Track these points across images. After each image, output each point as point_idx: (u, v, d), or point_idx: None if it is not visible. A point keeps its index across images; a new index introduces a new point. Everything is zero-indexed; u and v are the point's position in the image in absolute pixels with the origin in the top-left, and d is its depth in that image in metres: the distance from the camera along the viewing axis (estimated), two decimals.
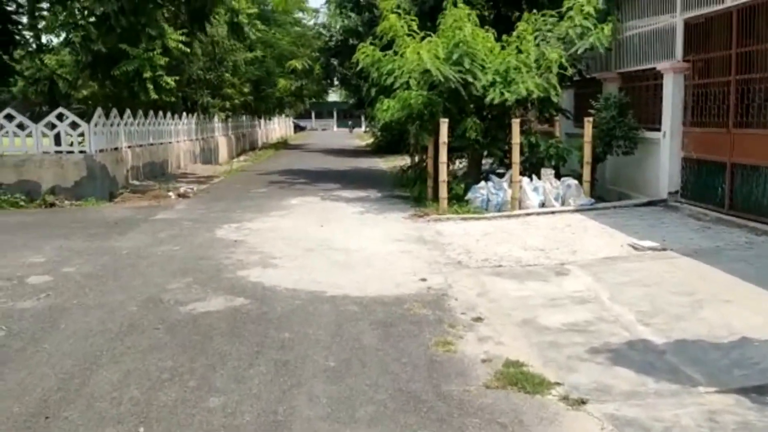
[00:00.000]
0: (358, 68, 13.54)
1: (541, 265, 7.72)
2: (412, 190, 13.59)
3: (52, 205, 12.84)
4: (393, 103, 12.22)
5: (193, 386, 4.29)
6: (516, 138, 11.64)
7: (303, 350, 4.94)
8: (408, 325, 5.57)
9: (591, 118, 12.06)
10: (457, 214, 11.31)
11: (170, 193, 14.46)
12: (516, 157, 11.65)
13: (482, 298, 6.40)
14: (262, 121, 42.55)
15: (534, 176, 12.12)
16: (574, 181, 11.94)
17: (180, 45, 14.62)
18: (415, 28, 12.88)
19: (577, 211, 11.26)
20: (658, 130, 11.53)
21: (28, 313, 5.88)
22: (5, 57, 16.98)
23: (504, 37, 12.77)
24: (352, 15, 18.11)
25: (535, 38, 12.70)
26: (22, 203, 12.88)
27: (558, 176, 12.29)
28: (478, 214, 11.29)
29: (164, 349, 4.96)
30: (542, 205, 11.69)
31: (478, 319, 5.73)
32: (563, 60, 12.11)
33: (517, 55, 12.23)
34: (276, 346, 5.03)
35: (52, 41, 13.83)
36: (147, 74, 13.80)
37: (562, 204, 11.69)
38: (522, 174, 11.94)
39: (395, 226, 10.53)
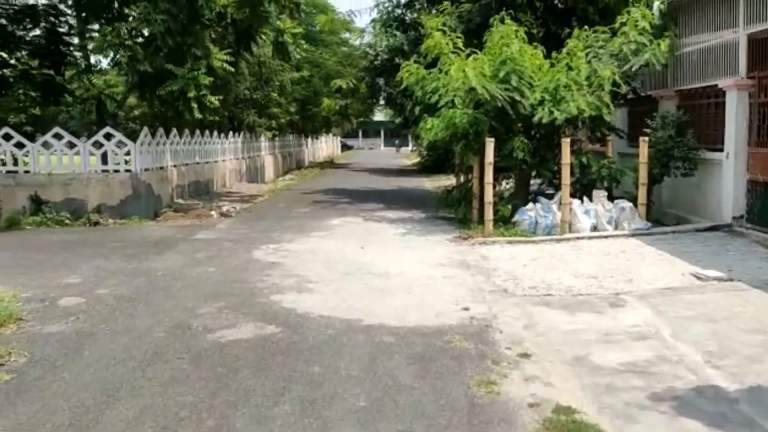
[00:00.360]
0: (402, 87, 13.25)
1: (593, 294, 7.19)
2: (457, 212, 13.16)
3: (96, 223, 12.89)
4: (437, 122, 11.86)
5: (210, 426, 3.96)
6: (566, 158, 11.12)
7: (332, 387, 4.57)
8: (448, 360, 5.14)
9: (647, 138, 11.44)
10: (503, 237, 10.83)
11: (213, 212, 14.39)
12: (566, 178, 11.11)
13: (529, 331, 5.92)
14: (309, 140, 42.78)
15: (585, 198, 11.54)
16: (628, 204, 11.31)
17: (225, 65, 14.63)
18: (460, 45, 12.54)
19: (632, 235, 10.63)
20: (720, 150, 10.82)
21: (55, 338, 5.69)
22: (58, 77, 17.39)
23: (553, 54, 12.31)
24: (398, 34, 17.91)
25: (587, 55, 12.20)
26: (67, 221, 12.97)
27: (611, 198, 11.69)
28: (525, 238, 10.79)
29: (186, 381, 4.66)
30: (594, 228, 11.10)
31: (525, 355, 5.26)
32: (617, 77, 11.56)
33: (567, 73, 11.73)
34: (304, 382, 4.67)
35: (100, 62, 14.00)
36: (191, 94, 13.82)
37: (616, 228, 11.08)
38: (572, 195, 11.40)
39: (438, 249, 10.12)
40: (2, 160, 14.28)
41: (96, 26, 15.89)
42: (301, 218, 13.89)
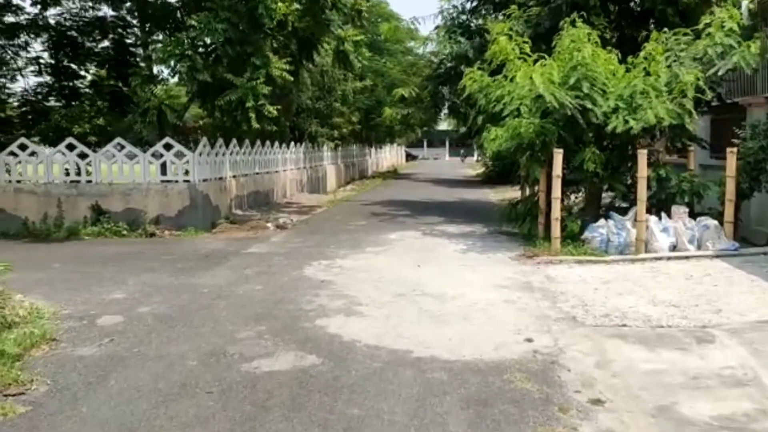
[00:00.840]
0: (466, 95, 12.61)
1: (676, 326, 6.36)
2: (521, 227, 12.38)
3: (152, 235, 12.80)
4: (501, 131, 11.16)
5: None
6: (643, 171, 10.21)
7: None
8: (507, 405, 4.49)
9: (735, 149, 10.39)
10: (571, 256, 10.01)
11: (268, 224, 14.11)
12: (642, 192, 10.21)
13: (603, 371, 5.19)
14: (373, 149, 42.54)
15: (663, 214, 10.59)
16: (712, 222, 10.28)
17: (284, 74, 14.37)
18: (527, 50, 11.82)
19: (717, 256, 9.62)
20: None
21: (84, 362, 5.35)
22: (125, 88, 17.60)
23: (629, 58, 11.42)
24: (462, 40, 17.23)
25: (666, 59, 11.26)
26: (124, 232, 12.93)
27: (692, 215, 10.68)
28: (596, 257, 9.94)
29: (210, 422, 4.19)
30: (673, 248, 10.13)
31: (598, 402, 4.55)
32: (700, 82, 10.58)
33: (644, 78, 10.83)
34: (341, 427, 4.12)
35: (162, 72, 14.00)
36: (250, 104, 13.59)
37: (698, 248, 10.08)
38: (648, 211, 10.47)
39: (500, 268, 9.41)
40: (66, 169, 14.45)
41: (160, 36, 15.98)
42: (358, 232, 13.41)
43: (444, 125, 47.90)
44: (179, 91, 15.86)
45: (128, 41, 18.80)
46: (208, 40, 13.62)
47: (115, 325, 6.47)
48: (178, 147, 14.19)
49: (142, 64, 14.43)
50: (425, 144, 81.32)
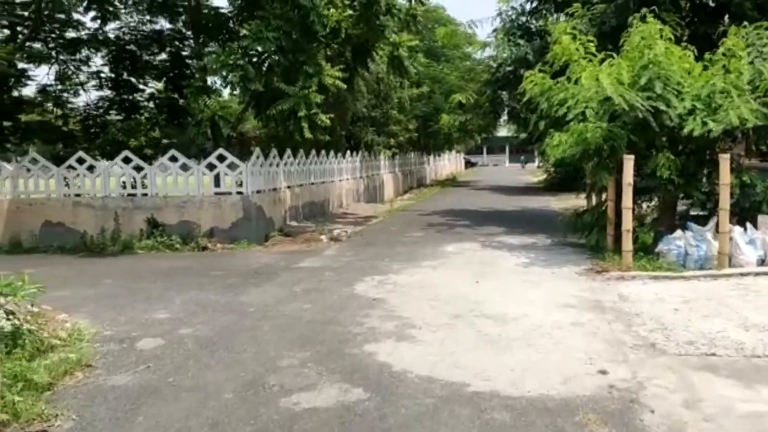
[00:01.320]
0: (526, 99, 11.93)
1: None
2: (588, 238, 11.58)
3: (204, 248, 12.60)
4: (565, 137, 10.43)
5: None
6: (725, 177, 9.31)
7: None
8: None
9: None
10: (645, 271, 9.20)
11: (322, 237, 13.74)
12: (725, 200, 9.30)
13: (692, 413, 4.48)
14: (431, 157, 41.98)
15: (748, 225, 9.64)
16: None
17: (337, 81, 14.02)
18: (592, 50, 11.06)
19: None
20: None
21: (116, 393, 5.00)
22: (181, 101, 17.68)
23: (706, 55, 10.51)
24: (521, 42, 16.52)
25: (748, 54, 10.30)
26: (177, 246, 12.78)
27: None
28: (673, 272, 9.09)
29: None
30: (761, 262, 9.18)
31: None
32: None
33: (724, 76, 9.91)
34: None
35: (215, 83, 13.88)
36: (302, 112, 13.29)
37: None
38: (731, 221, 9.54)
39: (566, 284, 8.69)
40: (123, 182, 14.49)
41: (214, 48, 15.92)
42: (414, 244, 12.87)
43: (504, 131, 46.88)
44: (232, 102, 15.73)
45: (184, 53, 18.92)
46: (259, 49, 13.40)
47: (154, 349, 6.13)
48: (231, 158, 14.01)
49: (196, 75, 14.34)
50: (485, 150, 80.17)
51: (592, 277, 9.15)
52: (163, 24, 19.05)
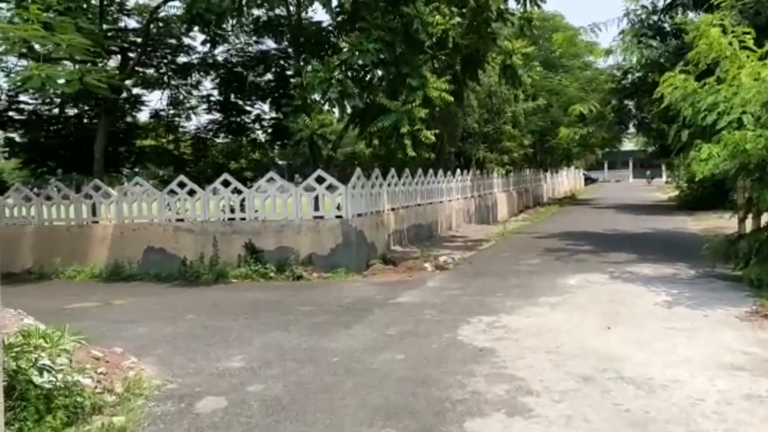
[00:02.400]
0: (663, 106, 10.16)
1: None
2: (746, 271, 9.55)
3: (299, 277, 11.72)
4: (717, 149, 8.61)
5: None
6: None
7: None
8: None
9: None
10: None
11: (426, 264, 12.49)
12: None
13: None
14: (548, 174, 39.73)
15: None
16: None
17: (443, 94, 12.83)
18: (749, 43, 9.17)
19: None
20: None
21: None
22: (284, 120, 17.18)
23: None
24: (654, 44, 14.58)
25: None
26: (272, 275, 12.00)
27: None
28: None
29: None
30: None
31: None
32: None
33: None
34: None
35: (315, 100, 13.08)
36: (404, 129, 12.21)
37: None
38: None
39: (725, 334, 6.91)
40: (223, 206, 14.02)
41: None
42: (530, 274, 11.33)
43: (628, 144, 43.69)
44: (332, 120, 14.95)
45: (289, 73, 18.52)
46: (360, 63, 12.48)
47: (213, 413, 5.13)
48: (330, 179, 13.16)
49: (295, 93, 13.69)
50: (606, 166, 75.84)
51: (760, 324, 7.28)
52: (269, 44, 18.84)
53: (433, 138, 12.71)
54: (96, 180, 14.85)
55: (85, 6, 14.48)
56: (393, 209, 15.42)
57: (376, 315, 8.45)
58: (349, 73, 12.78)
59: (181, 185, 14.06)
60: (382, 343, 7.01)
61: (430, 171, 18.12)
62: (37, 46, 12.07)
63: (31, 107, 19.09)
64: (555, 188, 43.90)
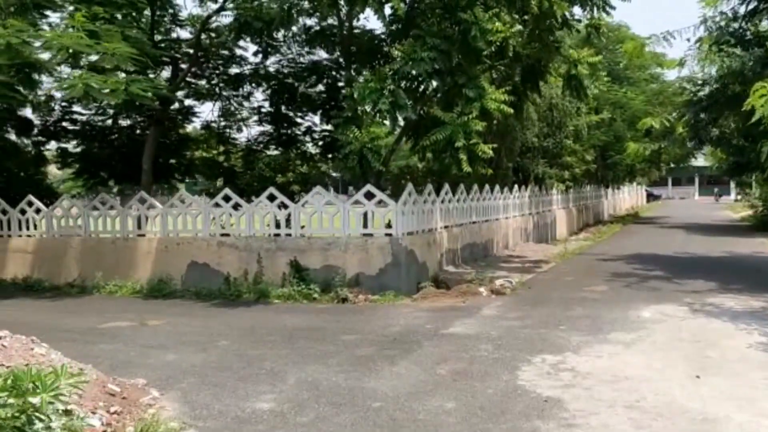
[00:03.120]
0: (754, 119, 9.02)
1: None
2: None
3: (344, 300, 10.96)
4: None
5: None
6: None
7: None
8: None
9: None
10: None
11: (481, 289, 11.55)
12: None
13: None
14: (609, 190, 38.02)
15: None
16: None
17: (502, 106, 11.94)
18: None
19: None
20: None
21: None
22: (334, 132, 16.55)
23: None
24: (737, 52, 13.32)
25: None
26: (315, 296, 11.29)
27: None
28: None
29: None
30: None
31: None
32: None
33: None
34: None
35: (365, 112, 12.39)
36: (459, 143, 11.37)
37: None
38: None
39: None
40: (267, 222, 13.44)
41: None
42: (596, 303, 10.26)
43: (698, 160, 41.50)
44: (383, 132, 14.17)
45: (340, 84, 17.92)
46: (413, 72, 11.70)
47: None
48: (380, 195, 12.41)
49: (345, 105, 13.03)
50: (669, 182, 72.76)
51: None
52: (321, 54, 18.31)
53: (490, 152, 11.81)
54: (142, 192, 14.52)
55: (134, 14, 14.21)
56: (446, 227, 14.56)
57: (426, 348, 7.60)
58: (402, 84, 12.00)
59: (226, 199, 13.57)
60: (431, 386, 6.15)
61: (486, 187, 17.16)
62: (84, 56, 11.78)
63: (84, 118, 19.06)
64: (616, 205, 42.07)
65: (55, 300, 11.89)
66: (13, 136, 18.92)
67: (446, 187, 14.57)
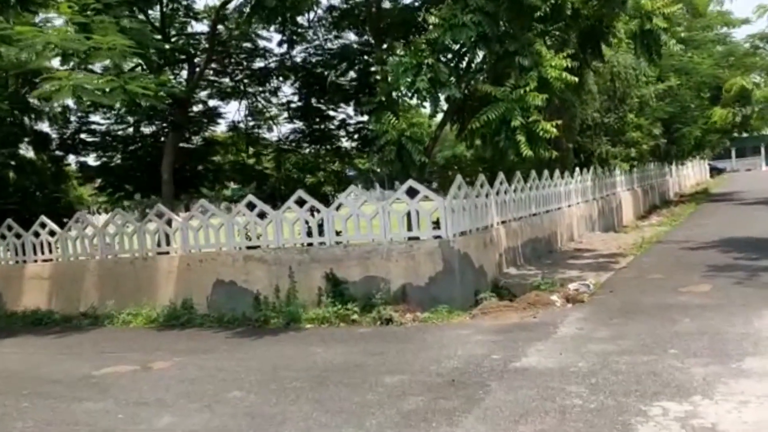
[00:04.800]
0: None
1: None
2: None
3: (388, 321, 9.11)
4: None
5: None
6: None
7: None
8: None
9: None
10: None
11: (554, 297, 9.53)
12: None
13: None
14: (672, 167, 35.05)
15: None
16: None
17: (565, 74, 9.91)
18: None
19: None
20: None
21: None
22: (368, 122, 14.72)
23: None
24: None
25: None
26: (354, 317, 9.47)
27: None
28: None
29: None
30: None
31: None
32: None
33: None
34: None
35: (401, 93, 10.53)
36: (516, 121, 9.41)
37: None
38: None
39: None
40: (297, 231, 11.72)
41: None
42: (704, 311, 8.10)
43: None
44: (424, 118, 12.23)
45: (373, 69, 16.09)
46: (454, 41, 9.76)
47: None
48: (424, 191, 10.54)
49: (378, 88, 11.20)
50: (733, 153, 68.29)
51: None
52: (350, 37, 16.53)
53: (554, 131, 9.79)
54: (159, 205, 12.99)
55: (139, 5, 12.65)
56: (503, 222, 12.59)
57: (495, 395, 5.67)
58: (442, 57, 10.10)
59: (251, 206, 11.90)
60: None
61: (545, 172, 15.09)
62: (75, 54, 10.23)
63: (103, 128, 17.77)
64: (681, 182, 39.06)
65: (61, 336, 10.45)
66: (31, 153, 17.81)
67: (501, 176, 12.58)
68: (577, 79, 10.50)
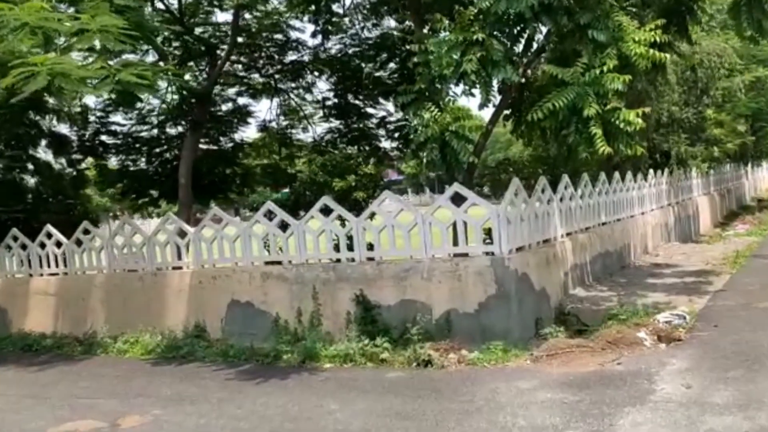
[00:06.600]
0: None
1: None
2: None
3: (427, 363, 7.19)
4: None
5: None
6: None
7: None
8: None
9: None
10: None
11: (640, 334, 7.39)
12: None
13: None
14: (747, 168, 31.92)
15: None
16: None
17: (654, 52, 7.83)
18: None
19: None
20: None
21: None
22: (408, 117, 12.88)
23: None
24: None
25: None
26: (384, 354, 7.57)
27: None
28: None
29: None
30: None
31: None
32: None
33: None
34: None
35: (444, 78, 8.62)
36: (589, 110, 7.42)
37: None
38: None
39: None
40: (324, 244, 9.92)
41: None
42: None
43: None
44: (472, 111, 10.19)
45: (415, 60, 14.25)
46: (511, 12, 7.82)
47: None
48: (472, 198, 8.61)
49: (417, 75, 9.32)
50: None
51: None
52: (390, 24, 14.76)
53: (639, 121, 7.71)
54: (170, 213, 11.44)
55: None
56: (568, 234, 10.56)
57: None
58: (495, 32, 8.16)
59: (269, 215, 10.20)
60: None
61: (616, 175, 12.94)
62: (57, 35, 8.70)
63: (125, 129, 16.46)
64: (756, 185, 35.84)
65: (43, 369, 8.92)
66: (50, 156, 16.65)
67: (565, 179, 10.55)
68: (667, 56, 8.37)
